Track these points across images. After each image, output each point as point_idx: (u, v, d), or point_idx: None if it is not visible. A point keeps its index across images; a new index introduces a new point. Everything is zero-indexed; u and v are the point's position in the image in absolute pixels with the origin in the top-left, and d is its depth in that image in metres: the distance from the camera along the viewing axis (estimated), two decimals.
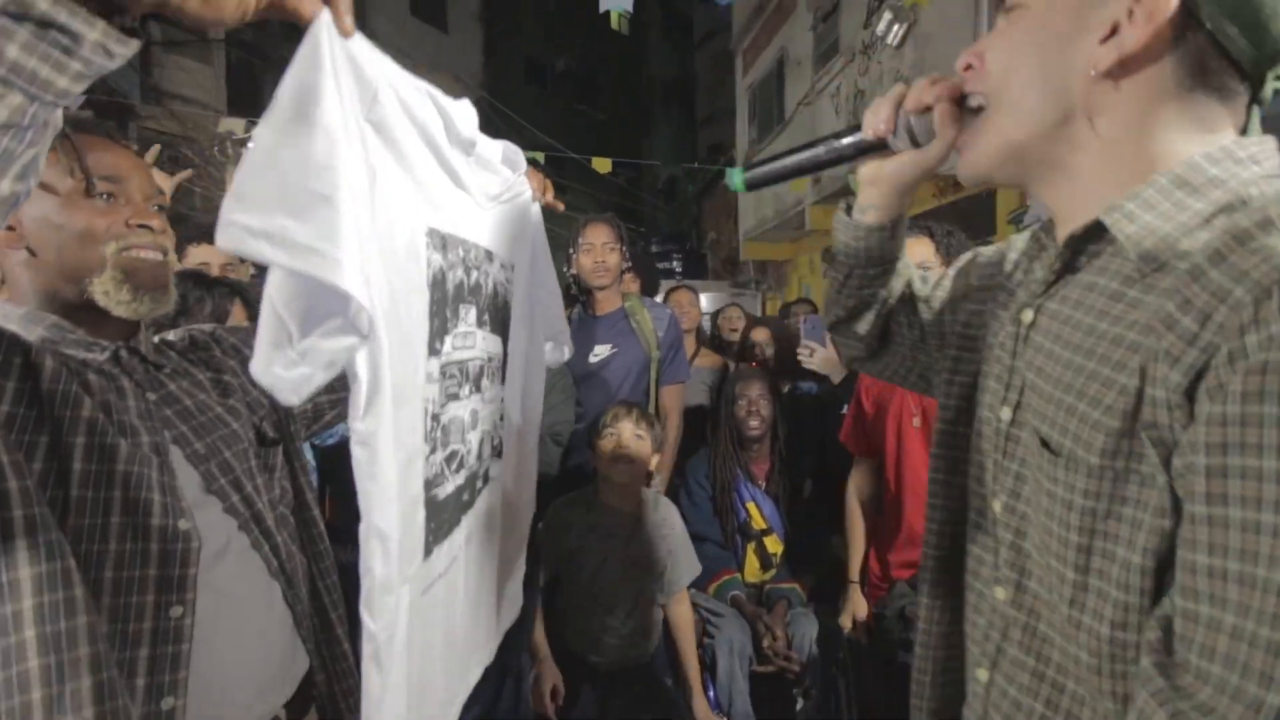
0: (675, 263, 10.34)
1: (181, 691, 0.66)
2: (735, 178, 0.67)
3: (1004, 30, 0.51)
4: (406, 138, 0.66)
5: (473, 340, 0.87)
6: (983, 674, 0.57)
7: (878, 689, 1.68)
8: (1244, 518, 0.37)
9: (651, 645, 1.68)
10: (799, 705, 1.91)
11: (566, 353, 1.15)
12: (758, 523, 2.11)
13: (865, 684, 1.76)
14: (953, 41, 4.53)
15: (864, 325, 0.74)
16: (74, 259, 0.68)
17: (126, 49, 0.40)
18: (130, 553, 0.64)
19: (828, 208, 6.53)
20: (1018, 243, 0.64)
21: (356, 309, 0.53)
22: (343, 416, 0.94)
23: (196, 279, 1.27)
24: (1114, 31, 0.45)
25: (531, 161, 0.99)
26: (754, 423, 2.09)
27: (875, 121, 0.60)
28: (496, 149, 0.89)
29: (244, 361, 0.84)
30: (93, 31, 0.38)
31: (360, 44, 0.54)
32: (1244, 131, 0.47)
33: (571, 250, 2.04)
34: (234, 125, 5.23)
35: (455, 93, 0.77)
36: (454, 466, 0.83)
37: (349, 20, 0.50)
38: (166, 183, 1.61)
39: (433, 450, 0.76)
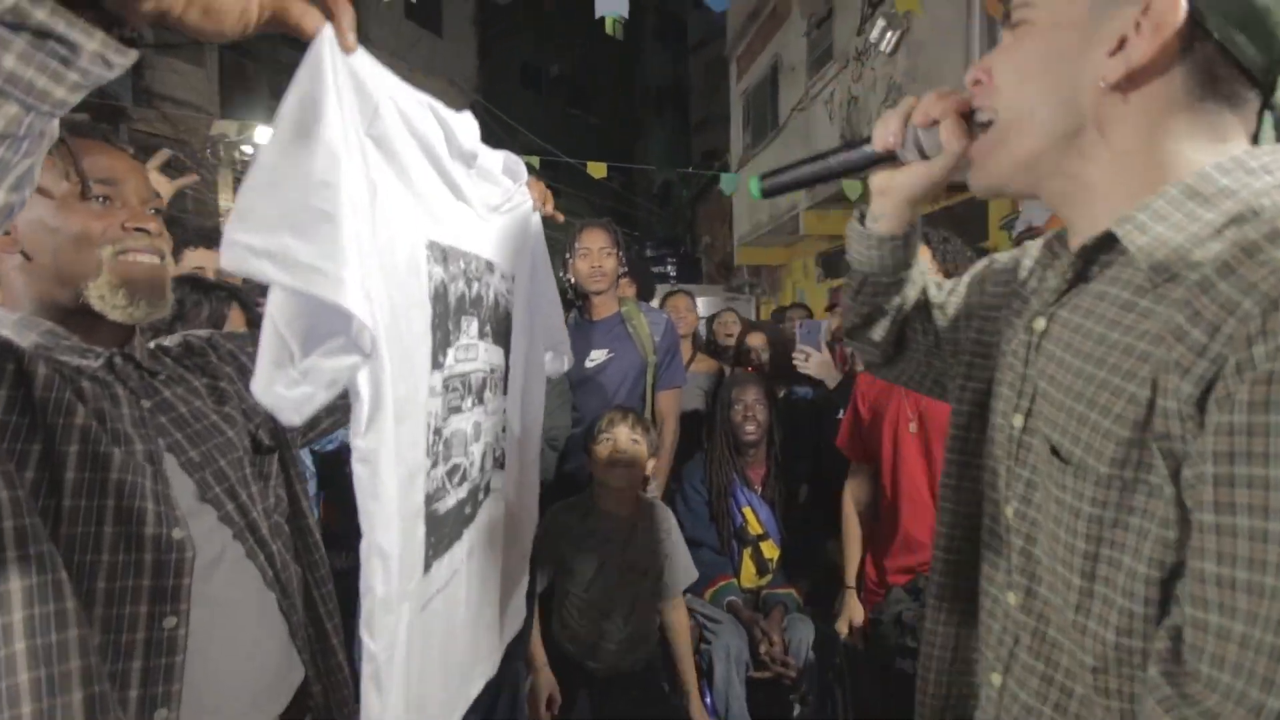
0: (670, 267, 10.37)
1: (175, 704, 0.65)
2: (752, 185, 0.69)
3: (1010, 46, 0.52)
4: (407, 151, 0.66)
5: (475, 352, 0.86)
6: (996, 679, 0.57)
7: (874, 694, 1.68)
8: (1251, 526, 0.37)
9: (649, 650, 1.68)
10: (796, 711, 1.90)
11: (566, 363, 1.15)
12: (754, 528, 2.11)
13: (862, 690, 1.76)
14: (945, 49, 4.57)
15: (879, 332, 0.75)
16: (69, 263, 0.68)
17: (125, 59, 0.39)
18: (123, 563, 0.63)
19: (821, 213, 6.56)
20: (1032, 250, 0.65)
21: (359, 327, 0.52)
22: (340, 423, 0.93)
23: (194, 283, 1.26)
24: (1122, 44, 0.45)
25: (528, 167, 0.99)
26: (750, 428, 2.09)
27: (884, 134, 0.61)
28: (498, 159, 0.89)
29: (240, 367, 0.84)
30: (91, 42, 0.37)
31: (362, 58, 0.54)
32: (1256, 137, 0.47)
33: (568, 255, 2.04)
34: (227, 128, 5.21)
35: (450, 97, 0.77)
36: (456, 480, 0.83)
37: (352, 37, 0.50)
38: (168, 187, 1.60)
39: (434, 464, 0.76)
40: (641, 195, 14.32)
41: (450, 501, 0.81)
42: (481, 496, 0.93)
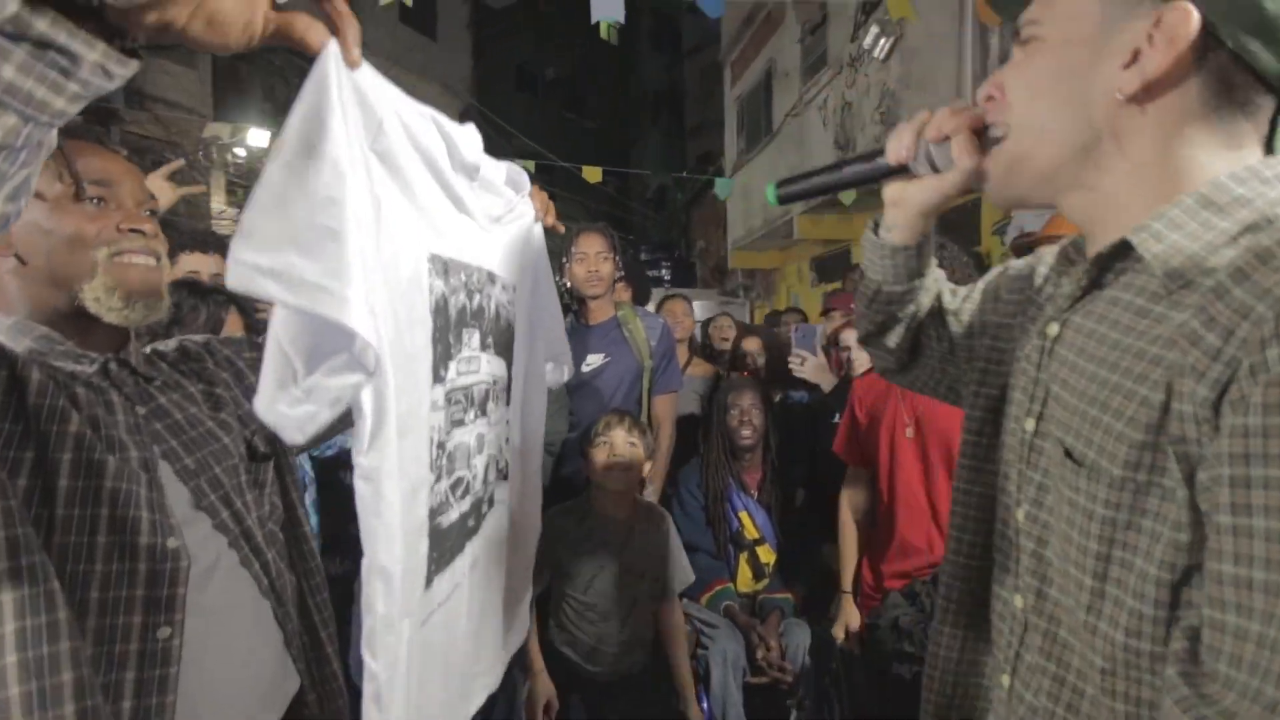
0: (664, 271, 10.38)
1: (169, 715, 0.64)
2: (769, 192, 0.70)
3: (1022, 62, 0.52)
4: (410, 165, 0.66)
5: (477, 364, 0.86)
6: (1005, 680, 0.58)
7: (871, 700, 1.68)
8: (1268, 527, 0.37)
9: (646, 654, 1.67)
10: (792, 716, 1.90)
11: (567, 373, 1.15)
12: (750, 532, 2.11)
13: (858, 695, 1.76)
14: (938, 55, 4.61)
15: (894, 339, 0.75)
16: (64, 265, 0.67)
17: (126, 70, 0.39)
18: (117, 572, 0.62)
19: (815, 218, 6.59)
20: (1047, 258, 0.66)
21: (362, 346, 0.52)
22: (338, 429, 0.93)
23: (191, 287, 1.24)
24: (1135, 57, 0.45)
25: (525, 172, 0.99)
26: (746, 432, 2.09)
27: (897, 148, 0.62)
28: (501, 170, 0.89)
29: (237, 373, 0.83)
30: (93, 53, 0.37)
31: (366, 73, 0.54)
32: (1270, 143, 0.48)
33: (564, 260, 2.04)
34: (220, 130, 5.19)
35: (445, 101, 0.78)
36: (459, 493, 0.82)
37: (357, 52, 0.50)
38: (172, 193, 1.59)
39: (438, 479, 0.76)
40: (636, 199, 14.35)
41: (454, 515, 0.81)
42: (485, 509, 0.93)
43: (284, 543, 0.82)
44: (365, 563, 0.60)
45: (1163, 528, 0.43)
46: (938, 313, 0.74)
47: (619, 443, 1.60)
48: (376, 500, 0.60)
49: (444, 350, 0.76)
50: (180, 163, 1.73)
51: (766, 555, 2.10)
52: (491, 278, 0.90)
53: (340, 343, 0.52)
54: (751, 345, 2.75)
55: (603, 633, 1.60)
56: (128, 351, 0.74)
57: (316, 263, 0.48)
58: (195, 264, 1.63)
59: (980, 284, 0.74)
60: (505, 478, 1.01)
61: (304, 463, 1.40)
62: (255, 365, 0.84)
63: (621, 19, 3.07)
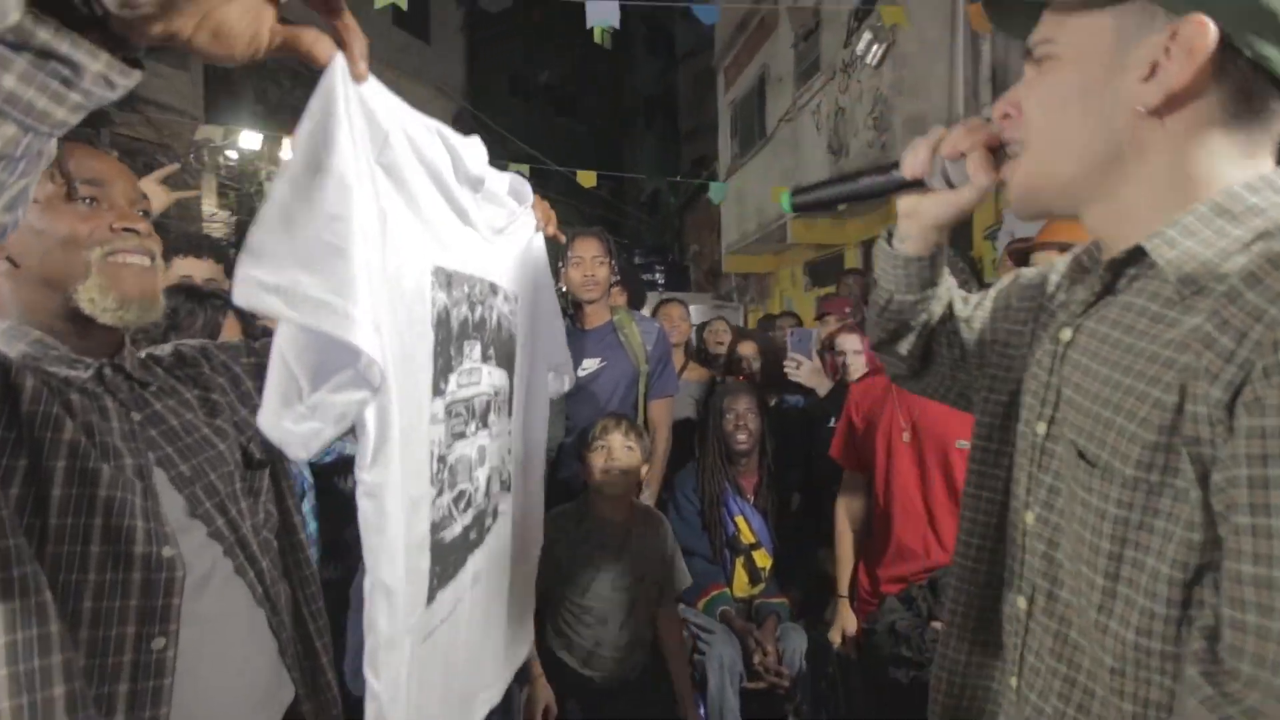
0: (658, 274, 10.40)
1: None
2: (784, 200, 0.71)
3: (1037, 80, 0.53)
4: (416, 179, 0.66)
5: (478, 376, 0.86)
6: (1013, 681, 0.59)
7: (868, 704, 1.68)
8: None
9: (645, 658, 1.67)
10: None
11: (568, 382, 1.15)
12: (746, 537, 2.10)
13: (855, 699, 1.76)
14: (930, 62, 4.65)
15: (906, 346, 0.76)
16: (57, 266, 0.66)
17: (129, 80, 0.39)
18: (111, 582, 0.61)
19: (809, 222, 6.61)
20: (1059, 265, 0.67)
21: (368, 363, 0.52)
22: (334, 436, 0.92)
23: (188, 292, 1.23)
24: (1154, 70, 0.46)
25: (516, 174, 1.00)
26: (742, 436, 2.09)
27: (913, 162, 0.63)
28: (504, 181, 0.89)
29: (234, 378, 0.82)
30: (96, 63, 0.36)
31: (372, 86, 0.54)
32: None
33: (560, 264, 2.04)
34: (212, 133, 5.15)
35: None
36: (461, 506, 0.82)
37: (363, 65, 0.50)
38: (166, 197, 1.57)
39: (439, 493, 0.75)
40: (630, 203, 14.36)
41: (456, 529, 0.80)
42: (489, 521, 0.92)
43: (278, 551, 0.81)
44: (368, 580, 0.60)
45: (1175, 527, 0.44)
46: (949, 320, 0.75)
47: (616, 447, 1.59)
48: (380, 517, 0.59)
49: (445, 363, 0.76)
50: (174, 167, 1.72)
51: (763, 560, 2.10)
52: (494, 289, 0.91)
53: (346, 359, 0.51)
54: (747, 349, 2.75)
55: (600, 637, 1.60)
56: (122, 356, 0.73)
57: (322, 279, 0.48)
58: (189, 268, 1.62)
59: (992, 292, 0.75)
60: (508, 489, 1.00)
61: (303, 469, 1.38)
62: (252, 371, 0.84)
63: (617, 24, 3.08)
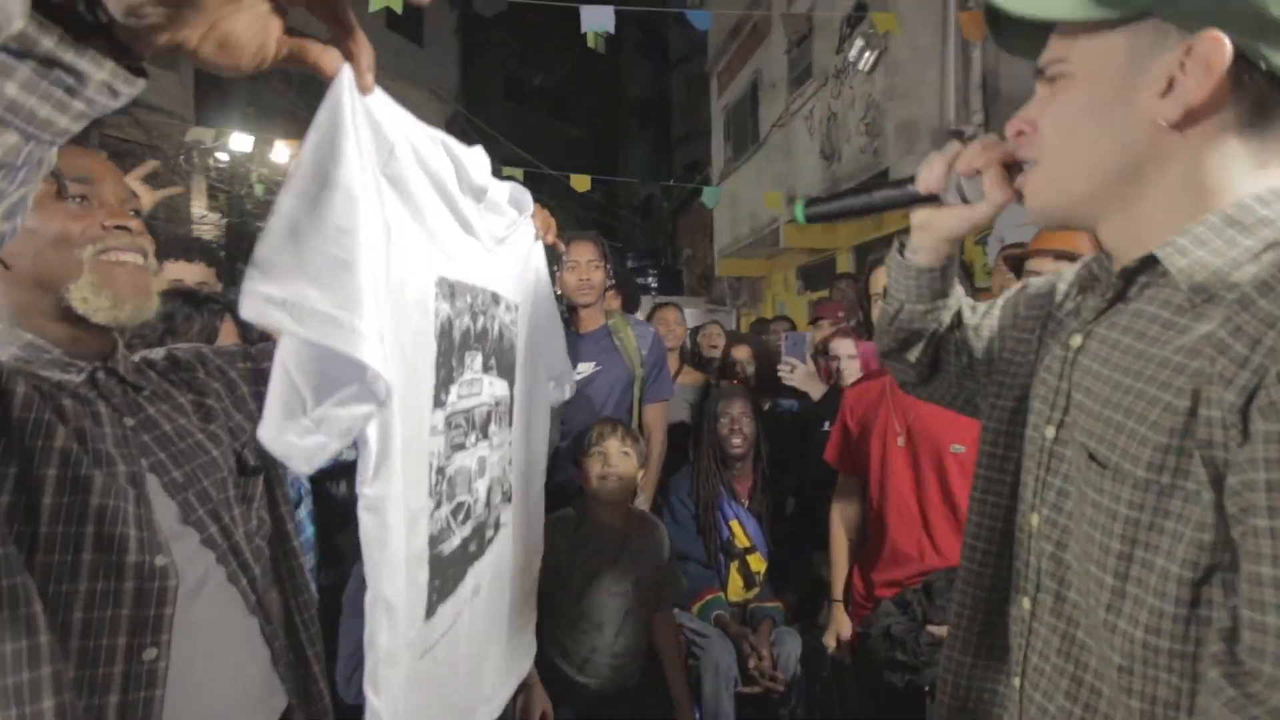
0: (651, 278, 10.41)
1: None
2: (798, 211, 0.72)
3: (1051, 98, 0.54)
4: (420, 190, 0.66)
5: (479, 386, 0.86)
6: (1017, 682, 0.60)
7: (863, 708, 1.68)
8: None
9: (641, 664, 1.66)
10: None
11: (568, 391, 1.15)
12: (741, 541, 2.10)
13: (850, 703, 1.76)
14: (922, 69, 4.68)
15: (915, 354, 0.78)
16: (49, 265, 0.65)
17: (133, 89, 0.38)
18: (102, 592, 0.60)
19: (801, 226, 6.64)
20: (1067, 275, 0.68)
21: (373, 376, 0.52)
22: None
23: (185, 296, 1.22)
24: (1171, 86, 0.47)
25: (510, 179, 1.00)
26: (737, 440, 2.09)
27: (929, 178, 0.64)
28: (504, 190, 0.89)
29: (229, 383, 0.81)
30: (100, 72, 0.36)
31: (379, 98, 0.54)
32: None
33: (555, 268, 2.04)
34: (203, 135, 5.11)
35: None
36: (460, 518, 0.81)
37: (370, 77, 0.50)
38: (151, 197, 1.56)
39: (438, 505, 0.74)
40: (624, 207, 14.38)
41: (455, 541, 0.79)
42: (491, 533, 0.92)
43: (270, 559, 0.80)
44: (369, 596, 0.60)
45: (1185, 528, 0.45)
46: (958, 328, 0.77)
47: (613, 453, 1.59)
48: (382, 531, 0.59)
49: (446, 374, 0.75)
50: (154, 164, 1.69)
51: (757, 564, 2.10)
52: (496, 299, 0.90)
53: (350, 372, 0.51)
54: (741, 353, 2.76)
55: (597, 643, 1.59)
56: (115, 360, 0.72)
57: (329, 294, 0.48)
58: (179, 272, 1.60)
59: (999, 301, 0.76)
60: (509, 500, 1.00)
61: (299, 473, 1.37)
62: (248, 375, 0.83)
63: (612, 29, 3.09)
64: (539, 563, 1.11)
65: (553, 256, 1.09)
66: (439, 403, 0.74)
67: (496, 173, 0.93)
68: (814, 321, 3.09)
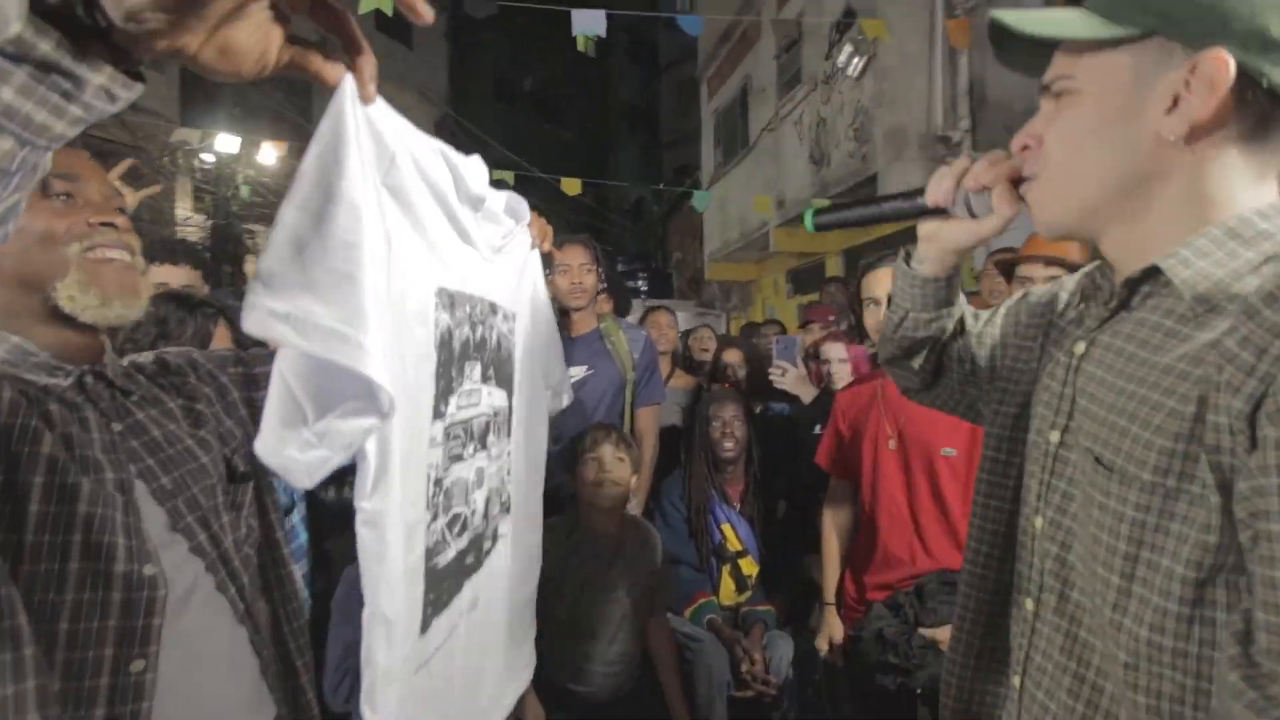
0: (641, 282, 10.42)
1: None
2: (807, 219, 0.73)
3: (1057, 114, 0.55)
4: (420, 200, 0.66)
5: (477, 397, 0.85)
6: (1016, 680, 0.62)
7: (855, 711, 1.68)
8: None
9: (635, 672, 1.65)
10: None
11: (565, 400, 1.14)
12: (733, 544, 2.10)
13: (842, 706, 1.76)
14: (910, 75, 4.74)
15: (918, 361, 0.79)
16: (35, 264, 0.64)
17: (131, 93, 0.37)
18: (89, 602, 0.59)
19: (791, 230, 6.69)
20: (1068, 284, 0.70)
21: (376, 389, 0.51)
22: None
23: (179, 300, 1.20)
24: (1176, 103, 0.49)
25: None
26: (729, 444, 2.09)
27: (937, 192, 0.66)
28: (500, 199, 0.89)
29: (220, 389, 0.80)
30: (98, 77, 0.35)
31: (380, 107, 0.54)
32: None
33: (548, 271, 2.03)
34: (189, 136, 5.05)
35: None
36: (456, 530, 0.80)
37: (372, 87, 0.49)
38: (132, 197, 1.53)
39: (434, 517, 0.74)
40: (614, 210, 14.39)
41: (450, 554, 0.78)
42: (488, 545, 0.91)
43: (259, 567, 0.79)
44: (366, 612, 0.59)
45: (1189, 530, 0.46)
46: (961, 336, 0.78)
47: (608, 459, 1.58)
48: (381, 546, 0.58)
49: (445, 385, 0.75)
50: (131, 161, 1.67)
51: (749, 567, 2.10)
52: (493, 308, 0.90)
53: (353, 385, 0.50)
54: (732, 357, 2.76)
55: (591, 651, 1.58)
56: (103, 363, 0.71)
57: (334, 308, 0.47)
58: (164, 276, 1.58)
59: (1001, 309, 0.78)
60: (508, 511, 0.99)
61: None
62: (239, 381, 0.81)
63: (603, 33, 3.09)
64: (537, 573, 1.10)
65: (544, 260, 1.09)
66: (438, 414, 0.73)
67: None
68: (804, 325, 3.11)
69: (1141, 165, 0.51)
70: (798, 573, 2.18)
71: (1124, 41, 0.50)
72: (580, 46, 3.34)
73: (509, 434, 0.98)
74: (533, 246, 1.03)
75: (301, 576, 1.41)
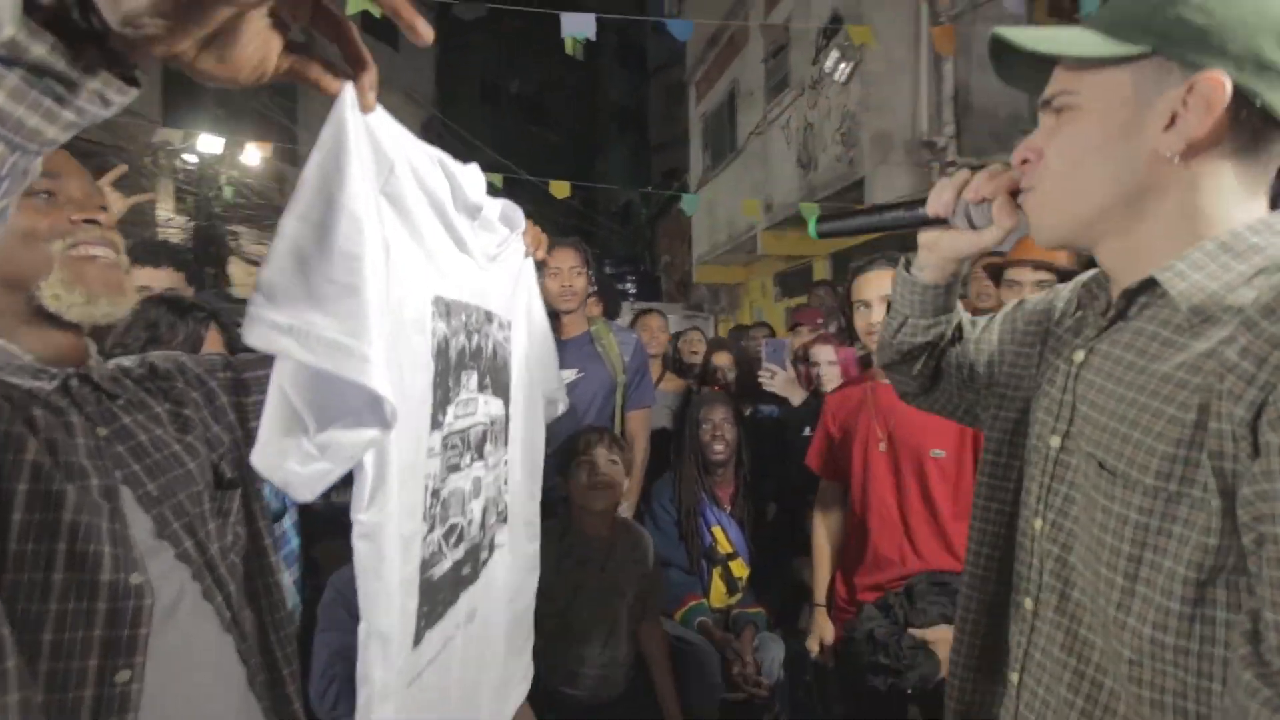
0: (629, 285, 10.44)
1: None
2: (811, 226, 0.75)
3: (1058, 128, 0.57)
4: (418, 208, 0.65)
5: (474, 406, 0.84)
6: (1014, 676, 0.63)
7: (847, 711, 1.69)
8: None
9: (628, 675, 1.64)
10: None
11: (560, 409, 1.14)
12: (723, 546, 2.11)
13: (833, 707, 1.76)
14: (895, 82, 4.79)
15: (916, 366, 0.81)
16: (18, 263, 0.63)
17: (125, 98, 0.37)
18: (74, 612, 0.57)
19: (779, 233, 6.73)
20: (1064, 292, 0.72)
21: (381, 402, 0.51)
22: None
23: (170, 304, 1.17)
24: (1173, 120, 0.51)
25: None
26: (719, 447, 2.10)
27: (937, 203, 0.68)
28: (496, 207, 0.88)
29: (208, 394, 0.78)
30: (92, 81, 0.35)
31: (379, 115, 0.54)
32: (1276, 194, 0.54)
33: (538, 274, 2.02)
34: (171, 136, 4.99)
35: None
36: (452, 541, 0.79)
37: (372, 96, 0.49)
38: (121, 204, 1.51)
39: (430, 529, 0.73)
40: (602, 213, 14.39)
41: (446, 565, 0.77)
42: (485, 555, 0.90)
43: (245, 575, 0.78)
44: (362, 628, 0.58)
45: (1191, 532, 0.48)
46: (959, 342, 0.80)
47: (601, 461, 1.58)
48: (378, 560, 0.58)
49: (443, 395, 0.74)
50: (123, 168, 1.64)
51: (740, 570, 2.10)
52: (489, 316, 0.89)
53: (355, 397, 0.50)
54: (722, 360, 2.77)
55: (584, 654, 1.57)
56: (88, 366, 0.69)
57: (336, 320, 0.47)
58: (146, 279, 1.55)
59: (998, 316, 0.80)
60: (505, 521, 0.98)
61: None
62: (228, 386, 0.80)
63: (593, 36, 3.09)
64: (535, 583, 1.09)
65: (536, 266, 1.09)
66: (436, 424, 0.72)
67: None
68: (793, 328, 3.12)
69: (1139, 180, 0.53)
70: (788, 575, 2.18)
71: (1124, 60, 0.52)
72: (568, 49, 3.34)
73: (506, 443, 0.98)
74: (527, 254, 1.02)
75: (293, 582, 1.39)
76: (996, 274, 1.68)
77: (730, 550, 2.11)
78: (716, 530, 2.11)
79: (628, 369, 2.09)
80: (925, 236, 0.72)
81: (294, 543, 1.35)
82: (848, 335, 1.98)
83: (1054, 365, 0.65)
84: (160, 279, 1.58)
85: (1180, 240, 0.53)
